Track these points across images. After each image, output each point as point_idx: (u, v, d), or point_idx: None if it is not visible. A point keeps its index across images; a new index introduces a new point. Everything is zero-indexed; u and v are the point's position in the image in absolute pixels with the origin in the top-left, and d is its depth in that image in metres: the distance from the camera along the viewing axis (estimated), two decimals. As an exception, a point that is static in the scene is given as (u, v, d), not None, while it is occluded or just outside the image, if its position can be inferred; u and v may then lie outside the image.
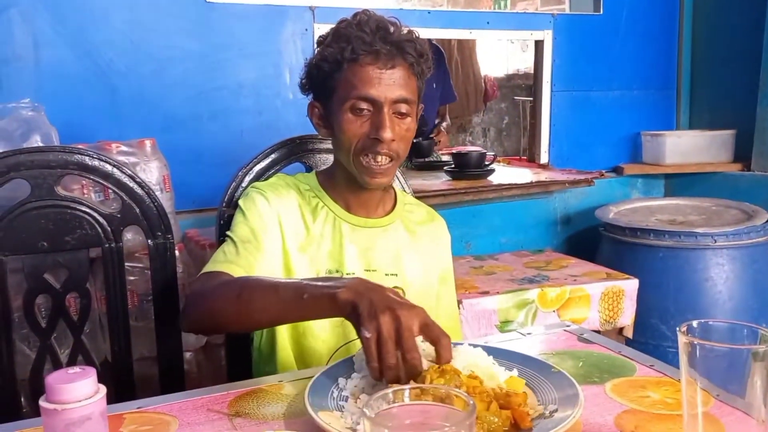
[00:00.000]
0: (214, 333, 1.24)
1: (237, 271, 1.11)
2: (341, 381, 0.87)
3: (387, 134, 1.13)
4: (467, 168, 2.54)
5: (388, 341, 0.80)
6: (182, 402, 0.88)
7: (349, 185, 1.23)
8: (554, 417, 0.76)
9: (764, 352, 0.67)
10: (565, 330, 1.15)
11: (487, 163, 2.57)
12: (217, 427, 0.80)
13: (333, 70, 1.16)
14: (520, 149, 4.79)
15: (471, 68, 5.45)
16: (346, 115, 1.15)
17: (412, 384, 0.72)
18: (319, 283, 0.93)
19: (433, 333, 0.83)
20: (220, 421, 0.82)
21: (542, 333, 1.16)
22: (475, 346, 0.92)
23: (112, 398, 1.38)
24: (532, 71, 2.91)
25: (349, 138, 1.16)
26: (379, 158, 1.16)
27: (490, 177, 2.54)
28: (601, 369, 0.97)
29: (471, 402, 0.51)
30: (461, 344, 0.91)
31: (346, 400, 0.84)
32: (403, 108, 1.15)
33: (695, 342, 0.67)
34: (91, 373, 0.68)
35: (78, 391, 0.65)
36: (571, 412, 0.75)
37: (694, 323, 0.70)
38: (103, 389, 0.68)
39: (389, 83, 1.13)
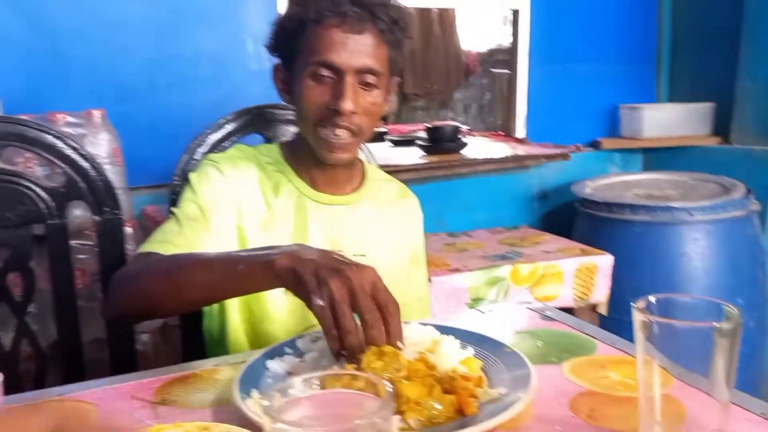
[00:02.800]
0: (142, 318, 1.14)
1: (174, 252, 1.02)
2: (270, 363, 0.81)
3: (347, 105, 1.04)
4: (441, 142, 2.47)
5: (342, 305, 0.73)
6: (107, 389, 0.81)
7: (314, 160, 1.14)
8: (503, 401, 0.70)
9: (728, 329, 0.61)
10: (528, 308, 1.09)
11: (460, 136, 2.49)
12: (137, 417, 0.73)
13: (296, 31, 1.07)
14: (502, 125, 4.72)
15: (451, 42, 5.36)
16: (307, 81, 1.06)
17: (326, 371, 0.66)
18: (256, 253, 0.85)
19: (381, 297, 0.75)
20: (143, 410, 0.75)
21: (504, 311, 1.10)
22: (425, 324, 0.86)
23: (61, 381, 1.32)
24: (511, 44, 2.83)
25: (308, 106, 1.08)
26: (338, 131, 1.07)
27: (465, 151, 2.47)
28: (560, 348, 0.91)
29: (388, 390, 0.45)
30: (409, 323, 0.85)
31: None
32: (370, 79, 1.06)
33: (653, 320, 0.61)
34: (-18, 360, 0.60)
35: (-37, 379, 0.58)
36: (520, 397, 0.69)
37: (652, 298, 0.65)
38: (-3, 377, 0.61)
39: (355, 50, 1.04)
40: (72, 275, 1.33)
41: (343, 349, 0.74)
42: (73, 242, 1.48)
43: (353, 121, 1.07)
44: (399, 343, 0.75)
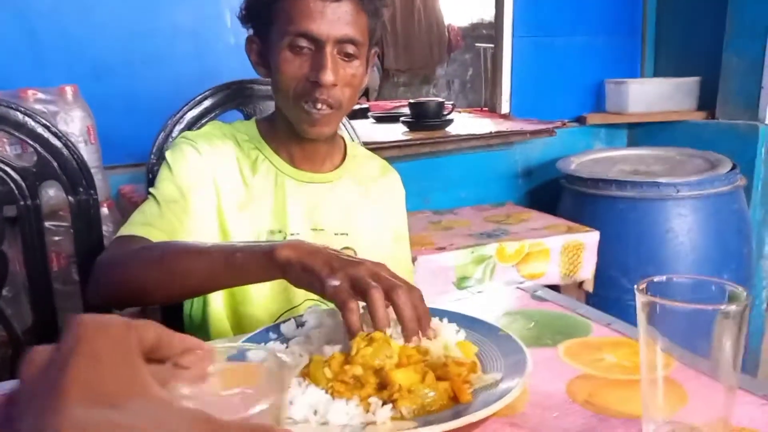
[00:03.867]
0: (129, 305, 1.11)
1: (157, 236, 0.98)
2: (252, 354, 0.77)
3: (328, 77, 1.00)
4: (425, 118, 2.42)
5: (367, 279, 0.70)
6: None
7: (292, 135, 1.10)
8: (499, 387, 0.67)
9: (734, 311, 0.58)
10: (518, 287, 1.06)
11: (445, 112, 2.45)
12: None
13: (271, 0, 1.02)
14: (485, 101, 4.69)
15: (434, 17, 5.28)
16: (284, 53, 1.02)
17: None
18: (254, 243, 0.84)
19: (403, 285, 0.73)
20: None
21: (494, 291, 1.07)
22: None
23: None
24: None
25: (287, 80, 1.03)
26: (318, 105, 1.03)
27: (449, 128, 2.43)
28: (553, 330, 0.88)
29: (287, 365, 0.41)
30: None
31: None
32: (350, 49, 1.02)
33: (656, 302, 0.59)
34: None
35: None
36: (515, 382, 0.66)
37: (655, 279, 0.62)
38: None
39: (333, 18, 0.99)
40: (46, 258, 1.29)
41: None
42: (47, 224, 1.43)
43: (334, 93, 1.03)
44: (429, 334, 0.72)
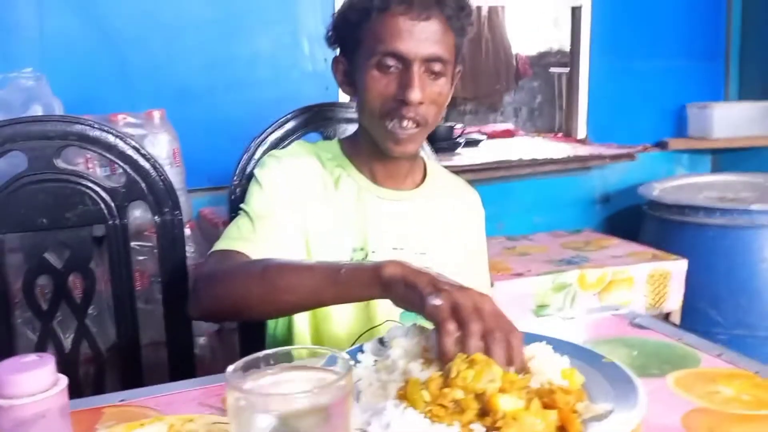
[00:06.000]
0: (229, 319, 1.11)
1: (253, 250, 1.00)
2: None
3: (415, 95, 0.99)
4: (433, 143, 2.37)
5: (467, 309, 0.69)
6: (172, 395, 0.77)
7: (375, 153, 1.10)
8: (610, 419, 0.62)
9: None
10: (613, 314, 1.00)
11: (455, 136, 2.39)
12: (207, 426, 0.68)
13: (360, 20, 1.03)
14: (555, 128, 4.61)
15: (501, 45, 5.27)
16: (372, 72, 1.02)
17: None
18: (359, 262, 0.84)
19: (503, 323, 0.71)
20: (211, 418, 0.70)
21: (587, 317, 1.01)
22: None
23: (118, 386, 1.30)
24: (565, 49, 2.73)
25: (373, 98, 1.03)
26: (405, 123, 1.03)
27: (521, 153, 2.36)
28: (660, 359, 0.82)
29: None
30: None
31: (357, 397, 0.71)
32: (437, 67, 1.02)
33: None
34: (49, 362, 0.56)
35: (29, 383, 0.54)
36: (631, 414, 0.62)
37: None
38: (63, 381, 0.57)
39: (422, 37, 0.99)
40: (132, 277, 1.31)
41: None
42: (132, 243, 1.46)
43: (420, 111, 1.02)
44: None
